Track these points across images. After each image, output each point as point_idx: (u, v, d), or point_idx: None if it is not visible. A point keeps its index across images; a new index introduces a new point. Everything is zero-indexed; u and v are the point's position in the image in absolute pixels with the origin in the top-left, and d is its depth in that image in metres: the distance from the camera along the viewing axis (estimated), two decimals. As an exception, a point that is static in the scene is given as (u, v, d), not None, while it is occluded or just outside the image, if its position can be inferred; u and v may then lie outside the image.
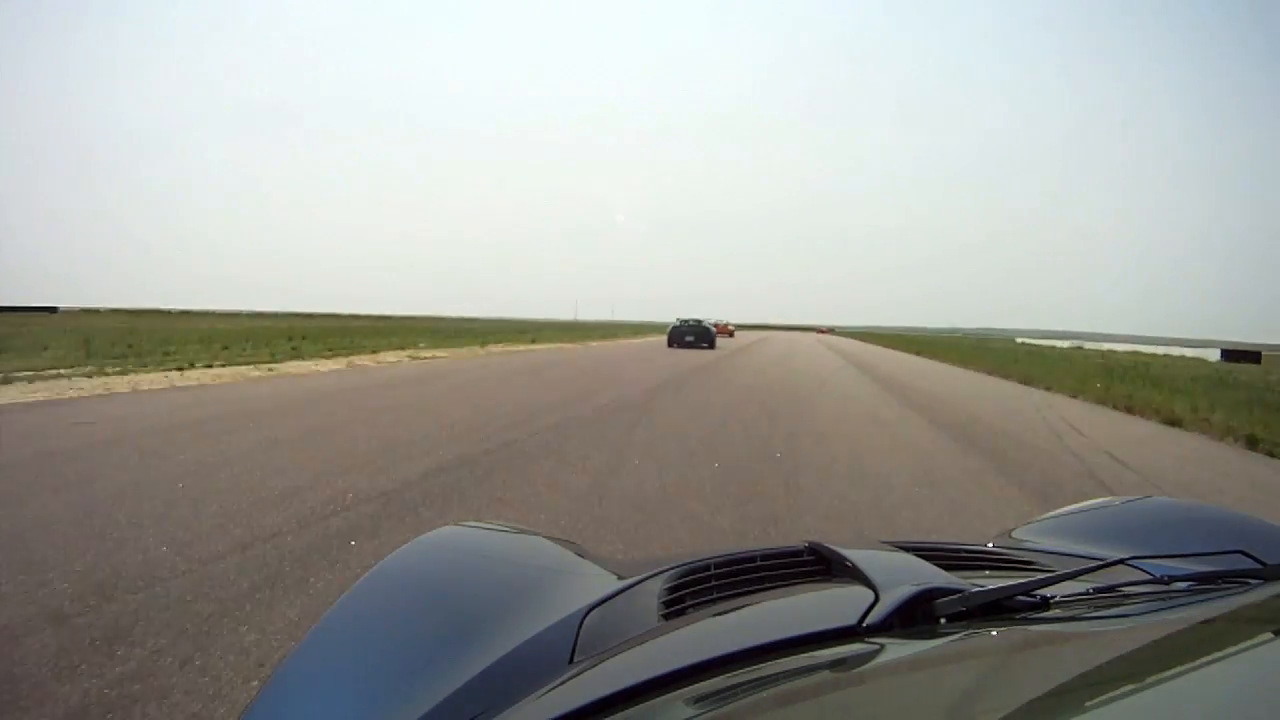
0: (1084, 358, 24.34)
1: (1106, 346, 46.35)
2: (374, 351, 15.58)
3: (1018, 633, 0.58)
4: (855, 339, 56.82)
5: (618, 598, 0.71)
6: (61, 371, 8.91)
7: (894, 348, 33.89)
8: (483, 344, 21.38)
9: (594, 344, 26.84)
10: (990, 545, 0.94)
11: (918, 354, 27.13)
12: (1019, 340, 70.46)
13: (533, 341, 25.29)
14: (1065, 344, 50.34)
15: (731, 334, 40.18)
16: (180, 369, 9.91)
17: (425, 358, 14.88)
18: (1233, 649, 0.47)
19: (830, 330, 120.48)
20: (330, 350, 15.19)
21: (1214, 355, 35.56)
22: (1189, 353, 38.24)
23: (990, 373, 16.72)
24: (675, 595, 0.71)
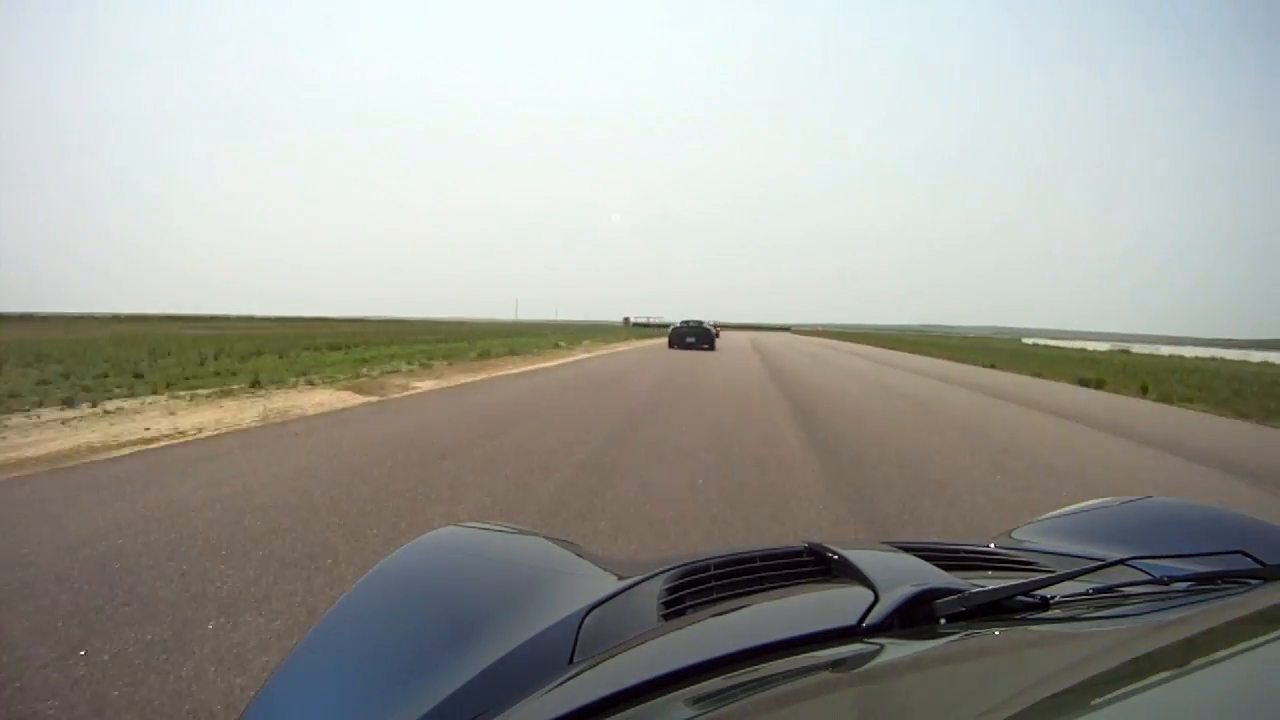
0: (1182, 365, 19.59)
1: (1168, 351, 38.62)
2: None
3: (1018, 633, 0.58)
4: (847, 340, 47.96)
5: (618, 598, 0.71)
6: None
7: (924, 353, 25.76)
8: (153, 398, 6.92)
9: (465, 380, 10.32)
10: (990, 545, 0.94)
11: (982, 365, 18.59)
12: (1025, 340, 65.34)
13: (309, 380, 9.10)
14: (1104, 346, 42.75)
15: (718, 334, 40.30)
16: None
17: None
18: (1233, 649, 0.47)
19: (786, 329, 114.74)
20: None
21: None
22: (1274, 357, 31.02)
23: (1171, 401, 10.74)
24: (675, 596, 0.71)
